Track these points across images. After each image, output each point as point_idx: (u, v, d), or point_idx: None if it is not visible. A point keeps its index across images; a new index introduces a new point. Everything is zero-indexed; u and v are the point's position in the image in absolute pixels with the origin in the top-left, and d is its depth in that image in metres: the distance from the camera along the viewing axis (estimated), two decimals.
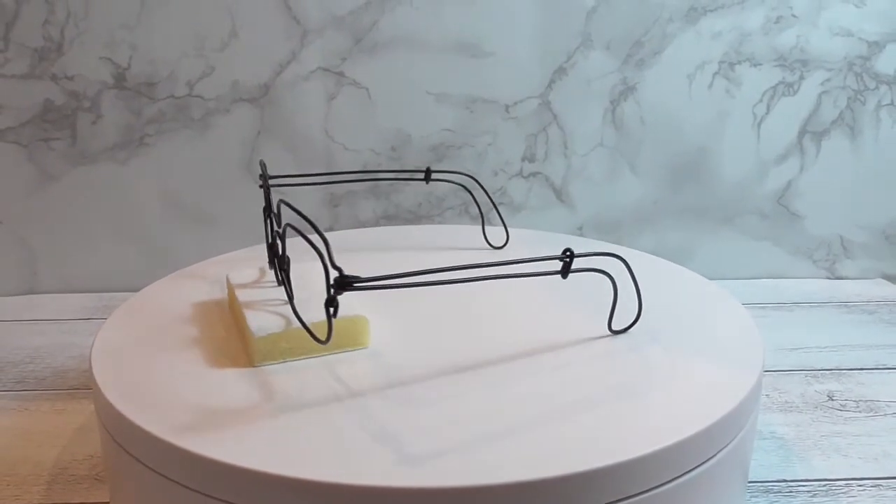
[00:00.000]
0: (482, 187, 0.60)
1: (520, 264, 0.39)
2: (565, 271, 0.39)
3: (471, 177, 0.59)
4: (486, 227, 0.60)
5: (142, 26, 0.74)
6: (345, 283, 0.34)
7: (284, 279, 0.41)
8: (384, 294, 0.35)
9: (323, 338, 0.35)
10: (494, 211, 0.60)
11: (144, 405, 0.36)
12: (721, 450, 0.36)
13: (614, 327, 0.43)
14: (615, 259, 0.41)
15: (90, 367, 0.40)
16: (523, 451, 0.33)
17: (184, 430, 0.34)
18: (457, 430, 0.34)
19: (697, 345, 0.43)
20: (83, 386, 0.61)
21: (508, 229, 0.59)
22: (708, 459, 0.35)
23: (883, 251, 0.84)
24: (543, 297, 0.48)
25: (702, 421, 0.35)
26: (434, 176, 0.57)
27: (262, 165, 0.48)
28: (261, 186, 0.47)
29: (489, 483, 0.31)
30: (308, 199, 0.78)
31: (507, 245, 0.58)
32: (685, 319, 0.46)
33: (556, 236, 0.62)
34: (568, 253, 0.39)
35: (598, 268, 0.41)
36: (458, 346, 0.42)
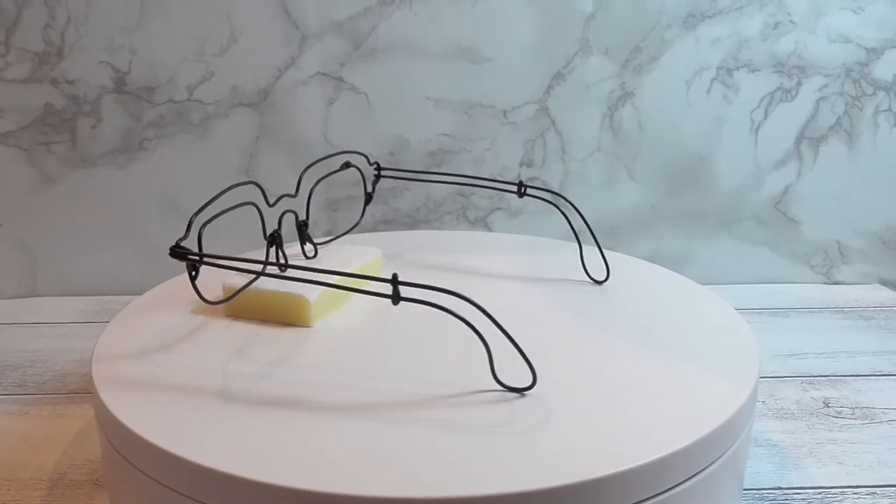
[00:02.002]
0: (578, 211, 0.53)
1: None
2: (395, 298, 0.36)
3: (564, 198, 0.53)
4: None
5: (142, 31, 0.74)
6: (178, 253, 0.39)
7: (277, 250, 0.45)
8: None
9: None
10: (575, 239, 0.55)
11: (144, 412, 0.37)
12: (716, 460, 0.36)
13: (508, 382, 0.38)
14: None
15: (90, 373, 0.41)
16: (513, 461, 0.33)
17: (184, 438, 0.34)
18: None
19: (691, 352, 0.43)
20: (83, 390, 0.61)
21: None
22: (702, 470, 0.35)
23: (880, 256, 0.84)
24: (542, 309, 0.49)
25: (696, 431, 0.35)
26: (523, 194, 0.53)
27: (368, 159, 0.57)
28: (376, 176, 0.57)
29: (472, 495, 0.31)
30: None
31: (609, 280, 0.52)
32: (678, 326, 0.46)
33: (661, 273, 0.56)
34: (394, 278, 0.36)
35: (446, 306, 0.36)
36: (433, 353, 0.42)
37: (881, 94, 0.79)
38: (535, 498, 0.31)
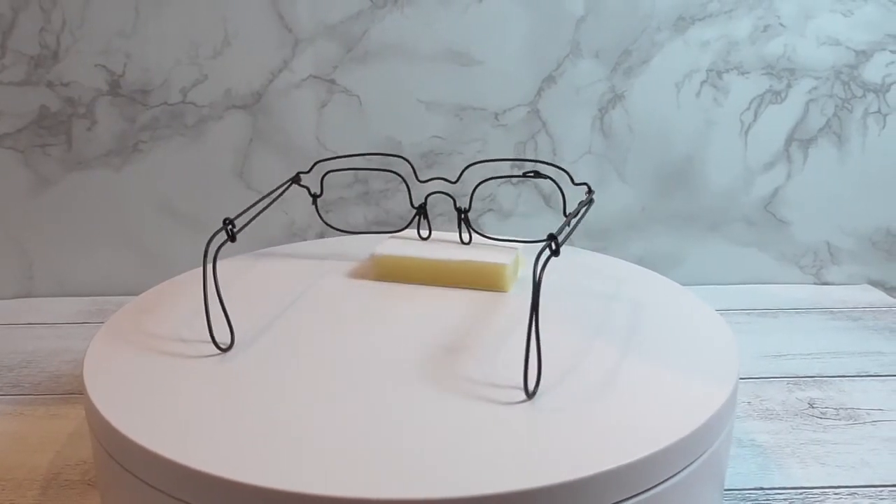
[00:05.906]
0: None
1: None
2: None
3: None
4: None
5: (136, 34, 0.75)
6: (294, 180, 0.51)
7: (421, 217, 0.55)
8: None
9: None
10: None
11: (135, 415, 0.37)
12: (694, 461, 0.37)
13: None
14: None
15: (82, 374, 0.41)
16: (497, 463, 0.33)
17: (175, 440, 0.35)
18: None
19: (672, 353, 0.43)
20: (77, 391, 0.62)
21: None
22: (681, 471, 0.36)
23: (869, 257, 0.85)
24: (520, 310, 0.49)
25: (675, 432, 0.35)
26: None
27: (572, 178, 0.55)
28: (589, 201, 0.53)
29: (451, 496, 0.31)
30: (301, 203, 0.79)
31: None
32: (658, 327, 0.47)
33: (643, 274, 0.55)
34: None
35: None
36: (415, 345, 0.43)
37: (870, 96, 0.80)
38: (515, 499, 0.32)
